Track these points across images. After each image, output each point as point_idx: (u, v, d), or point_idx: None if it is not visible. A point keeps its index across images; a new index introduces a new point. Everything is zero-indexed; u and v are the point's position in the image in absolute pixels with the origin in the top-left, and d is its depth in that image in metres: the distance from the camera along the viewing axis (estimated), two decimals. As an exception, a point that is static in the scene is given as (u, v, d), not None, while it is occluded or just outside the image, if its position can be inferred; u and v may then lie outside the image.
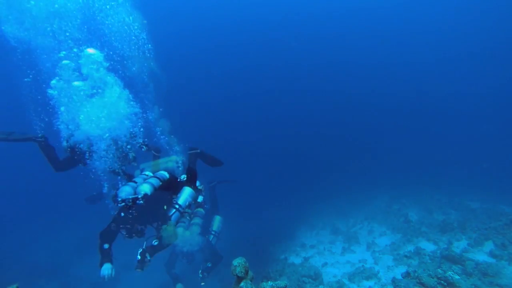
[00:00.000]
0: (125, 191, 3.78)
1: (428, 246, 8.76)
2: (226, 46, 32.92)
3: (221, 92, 32.26)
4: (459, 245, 8.31)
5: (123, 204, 3.65)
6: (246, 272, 4.12)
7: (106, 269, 3.57)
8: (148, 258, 3.62)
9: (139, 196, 3.81)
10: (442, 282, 5.81)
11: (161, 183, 4.31)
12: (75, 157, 5.00)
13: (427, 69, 31.63)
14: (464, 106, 29.89)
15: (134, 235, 3.80)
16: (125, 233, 3.71)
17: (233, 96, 32.87)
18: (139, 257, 3.56)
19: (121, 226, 3.64)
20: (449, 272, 5.94)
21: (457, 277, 5.84)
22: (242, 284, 4.02)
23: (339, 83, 32.91)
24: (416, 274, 6.21)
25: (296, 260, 10.36)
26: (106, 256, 3.67)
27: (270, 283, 4.36)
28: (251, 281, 4.10)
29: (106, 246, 3.72)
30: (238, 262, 4.13)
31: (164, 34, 30.43)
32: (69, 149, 4.99)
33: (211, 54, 32.42)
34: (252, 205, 19.05)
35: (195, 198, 4.99)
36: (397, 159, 23.04)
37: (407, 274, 6.53)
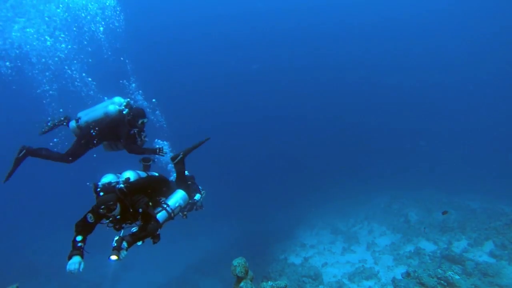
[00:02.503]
0: (109, 178, 3.51)
1: (428, 246, 8.76)
2: (227, 45, 32.96)
3: (222, 92, 32.27)
4: (459, 245, 8.31)
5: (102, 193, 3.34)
6: (246, 272, 4.11)
7: (73, 263, 3.14)
8: (125, 245, 3.21)
9: (120, 180, 3.52)
10: (442, 282, 5.82)
11: (147, 175, 4.05)
12: (85, 139, 4.65)
13: (427, 69, 31.64)
14: (464, 107, 29.90)
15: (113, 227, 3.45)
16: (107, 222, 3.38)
17: (235, 96, 32.87)
18: (114, 244, 3.17)
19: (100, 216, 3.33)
20: (449, 272, 5.94)
21: (457, 277, 5.84)
22: (242, 284, 4.02)
23: (339, 83, 32.92)
24: (416, 274, 6.21)
25: (296, 260, 10.36)
26: (77, 249, 3.30)
27: (270, 283, 4.36)
28: (251, 281, 4.10)
29: (79, 238, 3.34)
30: (238, 262, 4.13)
31: (164, 32, 30.44)
32: (78, 130, 4.63)
33: (212, 54, 32.47)
34: (252, 205, 19.03)
35: (187, 204, 4.57)
36: (397, 159, 23.03)
37: (407, 274, 6.53)
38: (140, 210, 3.51)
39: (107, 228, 3.54)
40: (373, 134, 28.83)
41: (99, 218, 3.42)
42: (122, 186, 3.46)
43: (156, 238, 3.73)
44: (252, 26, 32.58)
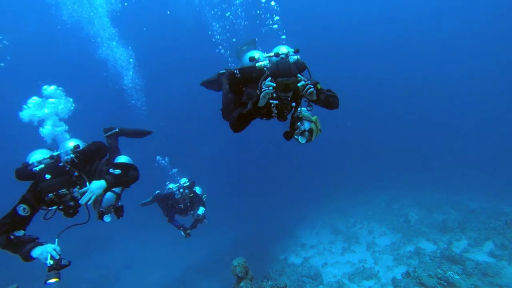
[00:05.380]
0: (40, 153, 2.75)
1: (428, 246, 8.76)
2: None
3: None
4: (459, 245, 8.30)
5: (42, 166, 2.53)
6: (246, 272, 4.12)
7: (43, 252, 2.34)
8: (104, 185, 2.55)
9: (68, 149, 2.83)
10: (442, 282, 5.81)
11: (85, 143, 3.27)
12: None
13: (428, 69, 31.62)
14: (464, 106, 29.89)
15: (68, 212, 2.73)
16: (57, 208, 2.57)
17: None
18: (50, 261, 2.31)
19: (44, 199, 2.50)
20: (449, 272, 5.94)
21: (457, 277, 5.84)
22: (242, 284, 4.02)
23: (338, 81, 32.77)
24: (416, 274, 6.21)
25: (296, 260, 10.36)
26: (30, 241, 2.44)
27: (270, 283, 4.36)
28: (251, 281, 4.10)
29: (19, 233, 2.50)
30: (238, 262, 4.14)
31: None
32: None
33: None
34: (252, 205, 19.04)
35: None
36: (397, 159, 23.03)
37: (407, 274, 6.53)
38: (117, 171, 2.86)
39: (49, 216, 2.73)
40: (373, 134, 28.83)
41: (37, 208, 2.69)
42: (72, 156, 2.80)
43: (119, 211, 3.31)
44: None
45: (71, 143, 3.01)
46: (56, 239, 2.58)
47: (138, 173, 3.07)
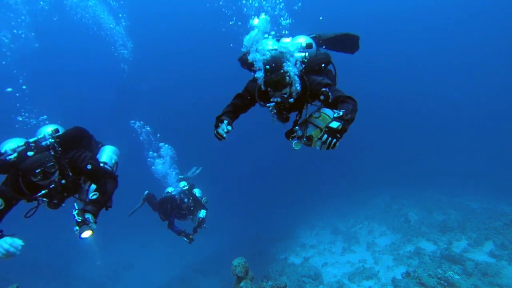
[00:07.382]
0: (14, 141, 2.60)
1: (428, 246, 8.76)
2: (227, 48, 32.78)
3: (220, 91, 32.05)
4: (459, 245, 8.30)
5: (16, 154, 2.38)
6: (246, 272, 4.12)
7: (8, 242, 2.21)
8: (91, 218, 2.43)
9: (46, 134, 2.67)
10: (442, 282, 5.82)
11: (65, 129, 3.05)
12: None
13: (429, 69, 31.64)
14: (465, 106, 29.91)
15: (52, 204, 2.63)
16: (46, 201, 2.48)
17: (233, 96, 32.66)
18: (78, 218, 2.32)
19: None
20: (449, 272, 5.94)
21: (457, 277, 5.84)
22: (242, 284, 4.02)
23: (338, 80, 32.69)
24: (416, 274, 6.21)
25: (296, 260, 10.36)
26: None
27: (270, 283, 4.37)
28: (251, 281, 4.10)
29: None
30: (238, 262, 4.13)
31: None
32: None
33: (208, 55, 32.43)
34: (252, 205, 19.05)
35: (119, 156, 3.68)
36: (397, 159, 23.02)
37: (407, 274, 6.53)
38: (89, 166, 2.70)
39: (30, 214, 2.61)
40: (373, 134, 28.82)
41: (14, 199, 2.52)
42: (52, 140, 2.64)
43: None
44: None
45: (49, 129, 2.86)
46: (75, 203, 2.56)
47: (116, 182, 2.90)
